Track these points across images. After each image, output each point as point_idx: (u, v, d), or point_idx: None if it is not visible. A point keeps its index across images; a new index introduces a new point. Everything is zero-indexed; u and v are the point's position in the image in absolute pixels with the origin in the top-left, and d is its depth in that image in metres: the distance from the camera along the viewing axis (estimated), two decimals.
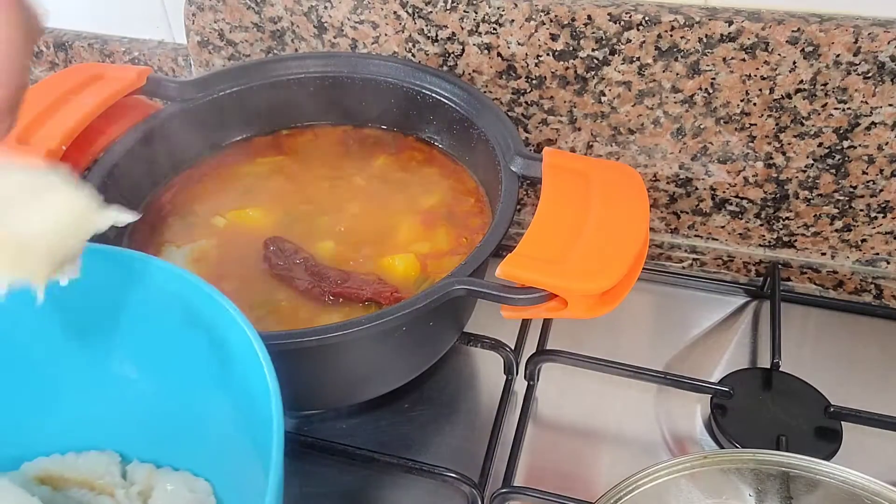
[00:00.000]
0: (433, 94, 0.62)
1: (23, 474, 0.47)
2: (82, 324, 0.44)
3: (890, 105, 0.58)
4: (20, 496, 0.44)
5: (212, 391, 0.43)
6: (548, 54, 0.64)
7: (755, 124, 0.62)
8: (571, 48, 0.63)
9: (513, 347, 0.59)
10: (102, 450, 0.48)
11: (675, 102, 0.63)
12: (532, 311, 0.47)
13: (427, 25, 0.66)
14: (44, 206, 0.34)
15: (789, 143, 0.62)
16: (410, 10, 0.66)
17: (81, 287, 0.41)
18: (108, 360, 0.45)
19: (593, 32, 0.61)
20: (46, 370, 0.46)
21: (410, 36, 0.67)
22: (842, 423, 0.54)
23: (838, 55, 0.57)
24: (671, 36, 0.60)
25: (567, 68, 0.64)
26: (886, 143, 0.60)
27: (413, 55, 0.68)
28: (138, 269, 0.42)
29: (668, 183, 0.68)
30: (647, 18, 0.59)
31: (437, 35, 0.66)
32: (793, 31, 0.57)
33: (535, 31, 0.63)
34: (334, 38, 0.70)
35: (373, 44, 0.69)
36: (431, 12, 0.65)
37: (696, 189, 0.67)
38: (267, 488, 0.32)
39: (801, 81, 0.59)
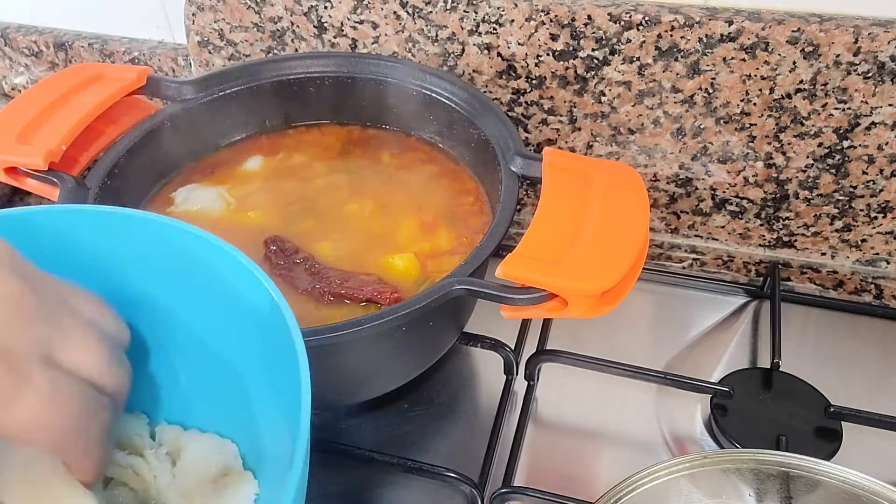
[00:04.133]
0: (433, 94, 0.62)
1: None
2: (113, 288, 0.44)
3: (890, 105, 0.58)
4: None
5: (240, 356, 0.43)
6: (548, 54, 0.64)
7: (755, 124, 0.62)
8: (571, 48, 0.63)
9: (513, 347, 0.59)
10: (131, 411, 0.48)
11: (675, 102, 0.63)
12: (532, 311, 0.47)
13: (427, 25, 0.66)
14: None
15: (789, 143, 0.62)
16: (410, 10, 0.66)
17: (110, 250, 0.43)
18: (138, 325, 0.46)
19: (593, 32, 0.61)
20: None
21: (410, 36, 0.67)
22: (842, 423, 0.54)
23: (838, 55, 0.57)
24: (671, 36, 0.60)
25: (567, 68, 0.64)
26: (886, 143, 0.60)
27: (413, 55, 0.68)
28: (165, 234, 0.42)
29: (668, 183, 0.68)
30: (647, 18, 0.59)
31: (437, 35, 0.66)
32: (793, 31, 0.57)
33: (535, 31, 0.63)
34: (334, 38, 0.70)
35: (373, 44, 0.69)
36: (431, 12, 0.65)
37: (696, 189, 0.67)
38: (294, 456, 0.32)
39: (801, 81, 0.59)
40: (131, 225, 0.43)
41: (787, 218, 0.66)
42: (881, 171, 0.61)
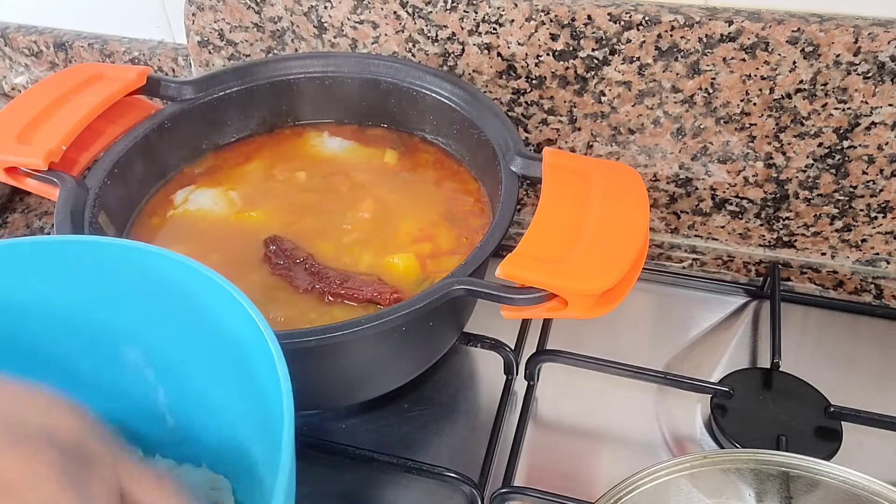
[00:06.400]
0: (433, 94, 0.62)
1: None
2: (93, 318, 0.44)
3: (890, 105, 0.58)
4: None
5: (225, 388, 0.43)
6: (548, 54, 0.64)
7: (755, 124, 0.62)
8: (571, 48, 0.63)
9: (513, 347, 0.59)
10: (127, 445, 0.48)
11: (675, 102, 0.63)
12: (532, 311, 0.47)
13: (427, 25, 0.66)
14: None
15: (789, 143, 0.62)
16: (410, 10, 0.66)
17: (90, 280, 0.43)
18: (122, 357, 0.45)
19: (593, 32, 0.61)
20: (64, 361, 0.46)
21: (410, 36, 0.67)
22: (842, 423, 0.54)
23: (838, 55, 0.57)
24: (671, 36, 0.60)
25: (567, 68, 0.64)
26: (886, 143, 0.60)
27: (413, 55, 0.68)
28: (146, 262, 0.41)
29: (668, 183, 0.68)
30: (647, 18, 0.59)
31: (437, 35, 0.66)
32: (793, 31, 0.57)
33: (535, 31, 0.63)
34: (334, 38, 0.70)
35: (373, 44, 0.69)
36: (431, 12, 0.65)
37: (696, 189, 0.67)
38: (274, 490, 0.31)
39: (801, 81, 0.59)
40: (115, 253, 0.42)
41: (787, 218, 0.66)
42: (881, 171, 0.61)
